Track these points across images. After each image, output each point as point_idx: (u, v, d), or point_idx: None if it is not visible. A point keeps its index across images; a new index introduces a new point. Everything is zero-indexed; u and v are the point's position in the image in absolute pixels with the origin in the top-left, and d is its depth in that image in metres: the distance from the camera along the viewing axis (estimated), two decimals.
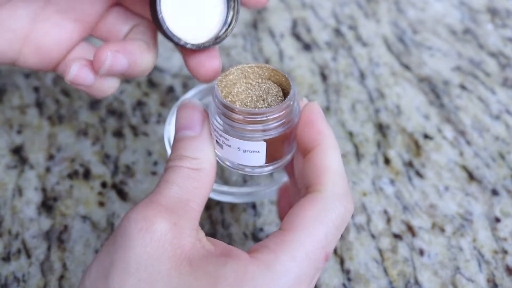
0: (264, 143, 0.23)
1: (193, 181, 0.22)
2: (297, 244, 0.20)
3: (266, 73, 0.24)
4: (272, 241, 0.20)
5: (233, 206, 0.33)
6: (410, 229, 0.32)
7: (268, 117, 0.22)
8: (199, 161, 0.22)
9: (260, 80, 0.24)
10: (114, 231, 0.20)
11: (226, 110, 0.22)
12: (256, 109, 0.22)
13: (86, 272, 0.20)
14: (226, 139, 0.23)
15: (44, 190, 0.33)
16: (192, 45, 0.25)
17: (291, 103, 0.22)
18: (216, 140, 0.23)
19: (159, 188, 0.21)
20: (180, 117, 0.23)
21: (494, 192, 0.34)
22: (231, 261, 0.19)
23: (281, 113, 0.22)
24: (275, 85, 0.24)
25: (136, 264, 0.19)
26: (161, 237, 0.19)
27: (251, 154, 0.23)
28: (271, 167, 0.24)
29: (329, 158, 0.22)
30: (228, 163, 0.24)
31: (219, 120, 0.23)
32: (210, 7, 0.26)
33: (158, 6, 0.23)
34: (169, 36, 0.24)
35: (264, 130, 0.22)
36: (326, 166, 0.22)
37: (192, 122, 0.23)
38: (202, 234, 0.21)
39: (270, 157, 0.23)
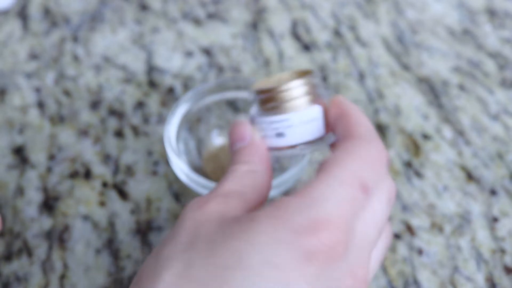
0: (318, 106, 0.23)
1: (249, 179, 0.23)
2: (327, 175, 0.20)
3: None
4: (307, 185, 0.21)
5: None
6: (409, 228, 0.32)
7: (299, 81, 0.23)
8: (252, 164, 0.23)
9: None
10: None
11: (266, 95, 0.23)
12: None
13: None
14: (284, 120, 0.23)
15: (45, 190, 0.33)
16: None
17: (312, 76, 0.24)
18: (276, 133, 0.24)
19: (216, 186, 0.23)
20: (231, 134, 0.25)
21: (493, 192, 0.34)
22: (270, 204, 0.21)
23: (305, 79, 0.23)
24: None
25: (184, 230, 0.20)
26: (211, 209, 0.21)
27: (312, 122, 0.23)
28: (331, 136, 0.24)
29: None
30: (292, 149, 0.24)
31: (267, 114, 0.23)
32: None
33: None
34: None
35: (309, 93, 0.23)
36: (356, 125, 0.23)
37: (240, 134, 0.24)
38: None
39: (327, 126, 0.24)
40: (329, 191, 0.20)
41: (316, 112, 0.23)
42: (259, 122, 0.24)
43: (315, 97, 0.23)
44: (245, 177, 0.23)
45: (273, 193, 0.30)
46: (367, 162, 0.21)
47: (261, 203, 0.23)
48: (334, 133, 0.24)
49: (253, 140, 0.24)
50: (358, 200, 0.20)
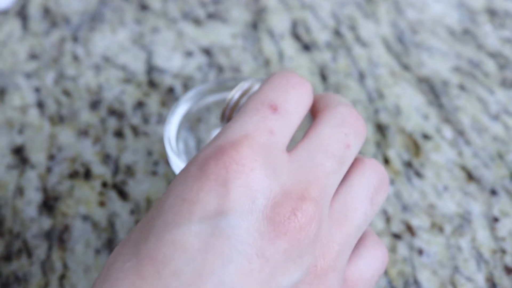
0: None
1: None
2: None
3: None
4: None
5: None
6: (409, 228, 0.32)
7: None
8: None
9: None
10: None
11: (223, 119, 0.26)
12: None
13: None
14: None
15: (45, 190, 0.33)
16: None
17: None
18: None
19: None
20: None
21: (493, 192, 0.34)
22: None
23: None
24: None
25: None
26: None
27: None
28: None
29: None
30: None
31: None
32: None
33: None
34: None
35: (244, 95, 0.26)
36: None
37: None
38: None
39: None
40: (232, 122, 0.19)
41: None
42: None
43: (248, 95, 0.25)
44: None
45: None
46: (271, 85, 0.20)
47: None
48: None
49: None
50: (266, 117, 0.19)
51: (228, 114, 0.26)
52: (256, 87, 0.26)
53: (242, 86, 0.25)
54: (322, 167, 0.19)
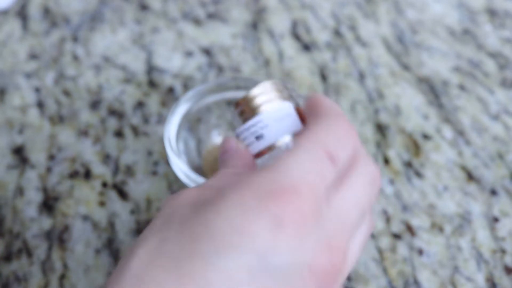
0: (288, 102, 0.24)
1: (231, 179, 0.23)
2: (294, 147, 0.21)
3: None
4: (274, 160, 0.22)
5: None
6: (410, 228, 0.32)
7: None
8: (236, 168, 0.24)
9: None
10: None
11: (240, 107, 0.25)
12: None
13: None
14: (259, 122, 0.25)
15: (45, 190, 0.33)
16: None
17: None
18: (256, 137, 0.25)
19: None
20: (219, 150, 0.26)
21: (493, 192, 0.34)
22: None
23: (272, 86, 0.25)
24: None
25: (160, 215, 0.21)
26: (186, 195, 0.21)
27: (285, 118, 0.25)
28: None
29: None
30: (276, 150, 0.25)
31: (245, 122, 0.25)
32: None
33: None
34: None
35: (277, 94, 0.25)
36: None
37: (226, 147, 0.26)
38: None
39: (304, 123, 0.25)
40: (294, 159, 0.20)
41: (286, 107, 0.24)
42: (241, 133, 0.26)
43: (284, 97, 0.25)
44: (227, 177, 0.23)
45: None
46: (332, 132, 0.21)
47: None
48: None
49: (237, 149, 0.25)
50: (325, 168, 0.20)
51: (243, 109, 0.25)
52: (283, 91, 0.25)
53: (264, 85, 0.25)
54: (351, 220, 0.20)
